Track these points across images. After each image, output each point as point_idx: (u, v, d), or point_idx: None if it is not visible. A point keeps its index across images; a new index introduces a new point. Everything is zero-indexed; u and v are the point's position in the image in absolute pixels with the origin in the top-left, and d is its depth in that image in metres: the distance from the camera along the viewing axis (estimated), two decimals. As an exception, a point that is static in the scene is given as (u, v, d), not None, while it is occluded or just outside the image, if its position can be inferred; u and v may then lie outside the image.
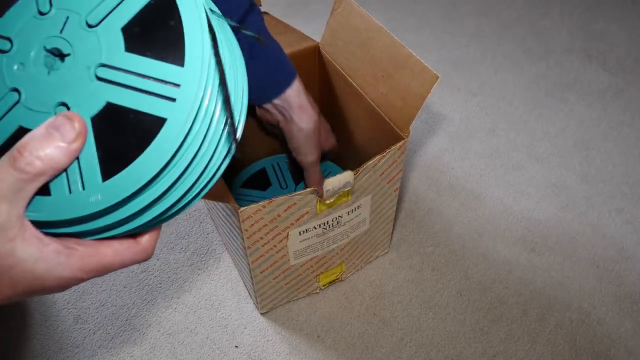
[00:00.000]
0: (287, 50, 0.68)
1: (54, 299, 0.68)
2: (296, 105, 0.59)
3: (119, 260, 0.32)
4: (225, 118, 0.31)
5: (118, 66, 0.29)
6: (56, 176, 0.29)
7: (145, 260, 0.34)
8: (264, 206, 0.51)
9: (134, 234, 0.33)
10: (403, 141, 0.56)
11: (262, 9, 0.72)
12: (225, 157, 0.32)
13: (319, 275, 0.65)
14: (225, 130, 0.31)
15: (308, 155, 0.64)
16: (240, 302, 0.67)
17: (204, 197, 0.38)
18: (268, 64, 0.57)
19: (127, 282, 0.70)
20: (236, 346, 0.63)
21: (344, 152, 0.74)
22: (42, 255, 0.29)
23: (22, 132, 0.29)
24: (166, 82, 0.29)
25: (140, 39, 0.29)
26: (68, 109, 0.29)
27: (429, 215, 0.76)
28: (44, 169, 0.28)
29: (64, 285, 0.31)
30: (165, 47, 0.29)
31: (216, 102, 0.30)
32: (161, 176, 0.29)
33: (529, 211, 0.76)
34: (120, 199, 0.28)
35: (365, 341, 0.63)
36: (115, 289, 0.69)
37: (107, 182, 0.28)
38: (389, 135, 0.59)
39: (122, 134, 0.28)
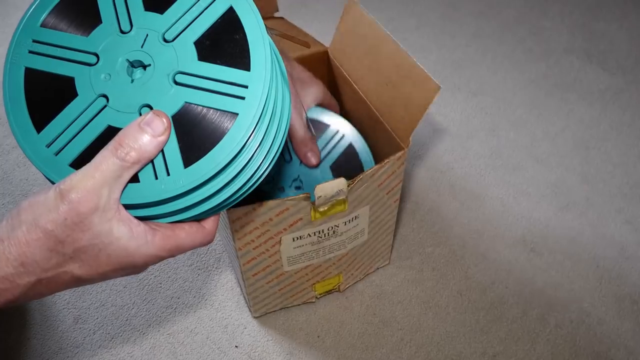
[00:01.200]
0: (298, 53, 0.70)
1: (54, 299, 0.68)
2: None
3: (190, 241, 0.36)
4: (280, 110, 0.37)
5: (193, 73, 0.34)
6: (146, 165, 0.33)
7: (209, 243, 0.38)
8: (254, 209, 0.50)
9: (199, 220, 0.37)
10: (402, 151, 0.55)
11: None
12: (279, 146, 0.37)
13: (314, 284, 0.64)
14: (284, 119, 0.37)
15: None
16: (240, 302, 0.67)
17: None
18: None
19: (127, 282, 0.70)
20: (236, 346, 0.63)
21: None
22: (134, 234, 0.33)
23: (110, 130, 0.34)
24: (236, 84, 0.34)
25: (210, 50, 0.35)
26: (151, 109, 0.34)
27: (429, 215, 0.76)
28: (138, 158, 0.32)
29: (148, 262, 0.35)
30: (232, 56, 0.35)
31: (275, 97, 0.36)
32: (233, 162, 0.34)
33: (529, 211, 0.76)
34: (200, 182, 0.33)
35: (365, 341, 0.63)
36: (115, 289, 0.69)
37: (189, 168, 0.33)
38: (390, 144, 0.59)
39: (199, 128, 0.34)
